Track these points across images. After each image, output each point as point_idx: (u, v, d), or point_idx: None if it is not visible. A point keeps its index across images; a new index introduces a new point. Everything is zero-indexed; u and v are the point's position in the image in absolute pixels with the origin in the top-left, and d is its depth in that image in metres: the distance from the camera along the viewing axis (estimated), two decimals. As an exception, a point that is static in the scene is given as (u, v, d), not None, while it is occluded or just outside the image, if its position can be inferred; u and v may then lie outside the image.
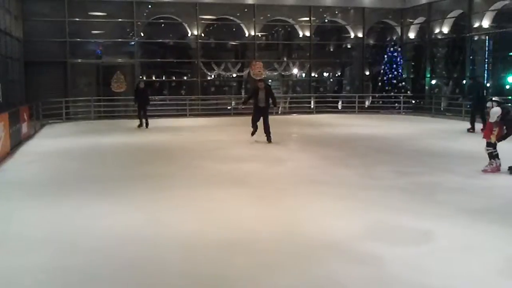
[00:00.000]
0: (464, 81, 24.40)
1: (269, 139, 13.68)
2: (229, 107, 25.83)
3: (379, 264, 4.92)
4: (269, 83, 30.08)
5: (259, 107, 13.80)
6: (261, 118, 13.74)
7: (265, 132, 13.71)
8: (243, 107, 15.35)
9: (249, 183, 8.83)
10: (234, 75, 27.36)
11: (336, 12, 28.34)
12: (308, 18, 27.34)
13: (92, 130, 18.56)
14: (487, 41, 23.53)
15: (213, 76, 27.21)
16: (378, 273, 4.73)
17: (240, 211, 6.96)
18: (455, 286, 4.44)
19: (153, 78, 27.87)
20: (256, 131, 13.85)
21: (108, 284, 4.58)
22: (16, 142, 13.66)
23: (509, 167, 9.27)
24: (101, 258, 5.16)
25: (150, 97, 19.58)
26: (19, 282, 4.62)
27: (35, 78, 22.75)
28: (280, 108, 26.62)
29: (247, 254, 5.28)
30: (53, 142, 15.01)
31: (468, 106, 18.65)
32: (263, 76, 26.78)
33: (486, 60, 23.74)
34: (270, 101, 13.94)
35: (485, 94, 17.08)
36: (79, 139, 15.47)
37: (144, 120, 18.51)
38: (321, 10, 27.80)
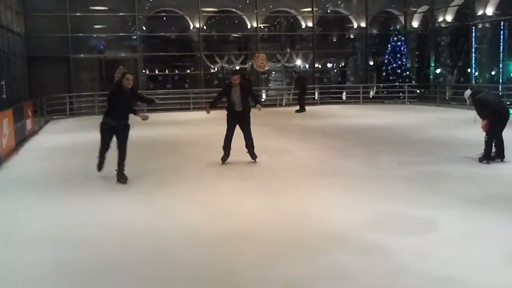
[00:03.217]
0: (469, 70, 24.28)
1: (253, 156, 9.88)
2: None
3: (385, 254, 4.92)
4: (272, 75, 30.18)
5: (234, 111, 9.76)
6: (239, 128, 9.82)
7: (246, 147, 9.85)
8: (209, 112, 10.31)
9: (254, 175, 8.84)
10: (237, 67, 27.31)
11: (339, 2, 28.24)
12: (310, 9, 27.22)
13: (96, 125, 18.36)
14: (502, 28, 23.15)
15: (216, 69, 27.19)
16: (384, 263, 4.74)
17: (246, 203, 6.97)
18: (461, 275, 4.43)
19: (156, 72, 27.88)
20: (228, 155, 9.86)
21: (114, 277, 4.60)
22: (21, 138, 13.70)
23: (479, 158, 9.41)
24: (108, 252, 5.19)
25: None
26: (24, 277, 4.66)
27: (38, 73, 22.82)
28: (284, 99, 26.59)
29: (252, 245, 5.30)
30: (58, 137, 15.04)
31: (296, 95, 23.19)
32: (266, 68, 26.79)
33: (502, 47, 23.36)
34: (252, 102, 10.13)
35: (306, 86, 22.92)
36: (84, 134, 15.47)
37: (118, 161, 8.39)
38: (323, 0, 27.67)
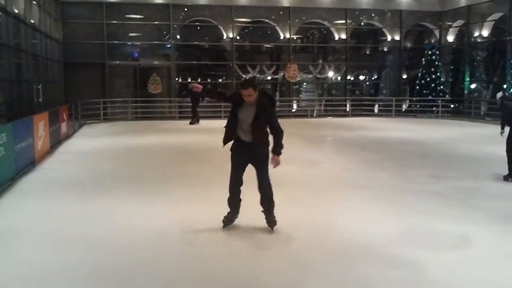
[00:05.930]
0: (505, 85, 23.84)
1: (270, 221, 6.09)
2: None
3: (415, 269, 4.84)
4: (304, 86, 30.07)
5: (240, 141, 6.20)
6: (250, 168, 6.27)
7: (261, 204, 6.15)
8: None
9: (283, 184, 8.75)
10: (269, 77, 27.39)
11: (373, 14, 28.10)
12: (344, 21, 27.17)
13: (129, 130, 18.85)
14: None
15: (248, 78, 27.28)
16: (414, 278, 4.66)
17: (275, 212, 6.92)
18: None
19: (189, 80, 28.16)
20: (234, 214, 6.26)
21: (143, 281, 4.64)
22: (56, 141, 13.98)
23: (504, 176, 9.08)
24: (137, 257, 5.22)
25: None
26: (56, 280, 4.70)
27: (74, 79, 23.34)
28: (315, 110, 26.51)
29: (280, 255, 5.27)
30: (91, 141, 15.29)
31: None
32: (298, 79, 26.79)
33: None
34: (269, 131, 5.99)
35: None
36: (117, 139, 15.72)
37: None
38: (357, 12, 27.61)
